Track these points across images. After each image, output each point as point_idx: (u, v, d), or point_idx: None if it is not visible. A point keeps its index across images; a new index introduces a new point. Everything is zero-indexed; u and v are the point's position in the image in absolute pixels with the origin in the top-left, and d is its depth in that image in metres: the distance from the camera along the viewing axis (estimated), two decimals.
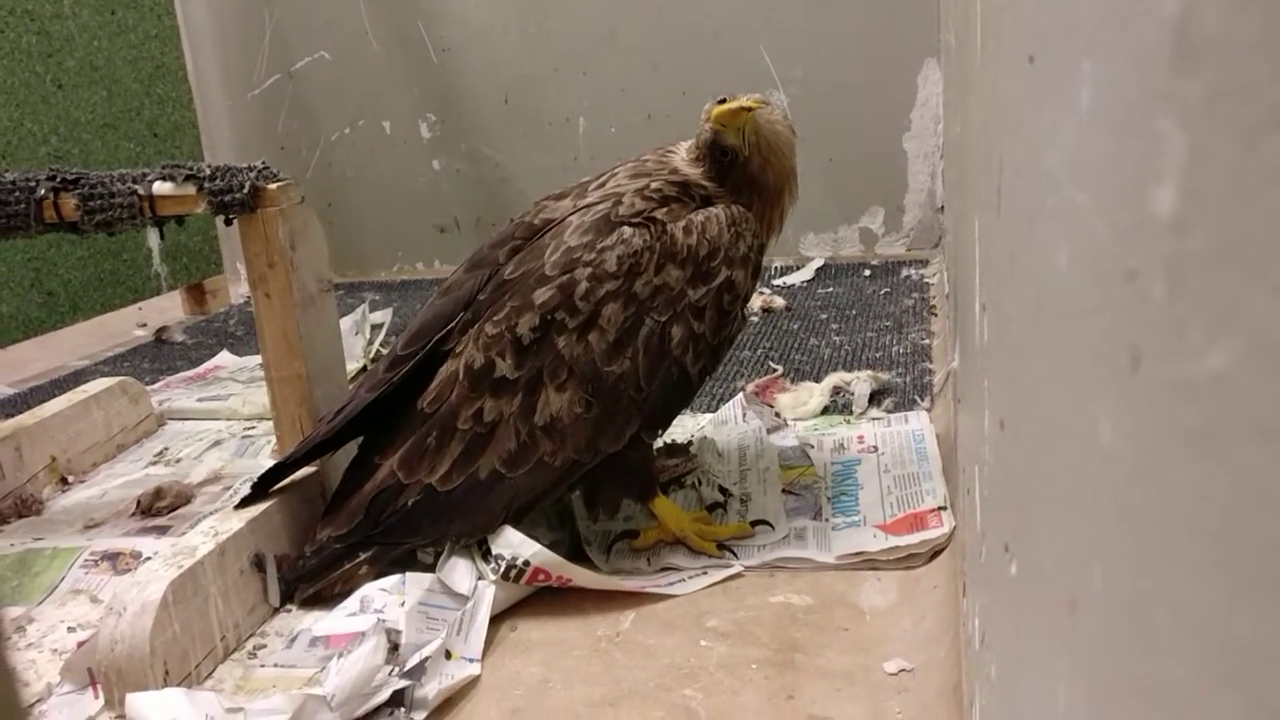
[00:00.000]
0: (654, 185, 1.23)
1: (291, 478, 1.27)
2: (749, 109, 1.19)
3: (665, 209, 1.21)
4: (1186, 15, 0.22)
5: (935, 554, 1.18)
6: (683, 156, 1.27)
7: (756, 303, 2.26)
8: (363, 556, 1.19)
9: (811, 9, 2.59)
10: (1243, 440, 0.22)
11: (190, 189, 1.29)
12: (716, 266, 1.19)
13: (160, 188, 1.30)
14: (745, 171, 1.23)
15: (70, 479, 1.61)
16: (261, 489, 1.24)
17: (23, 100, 2.24)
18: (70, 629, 1.19)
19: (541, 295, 1.16)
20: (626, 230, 1.18)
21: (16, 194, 1.28)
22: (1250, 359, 0.22)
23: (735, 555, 1.22)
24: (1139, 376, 0.27)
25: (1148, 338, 0.26)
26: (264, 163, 1.31)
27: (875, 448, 1.46)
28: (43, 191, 1.28)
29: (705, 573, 1.19)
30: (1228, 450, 0.22)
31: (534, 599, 1.16)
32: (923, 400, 1.63)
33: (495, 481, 1.17)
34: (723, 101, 1.22)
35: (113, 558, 1.34)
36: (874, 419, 1.58)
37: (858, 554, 1.19)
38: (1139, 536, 0.27)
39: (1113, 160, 0.29)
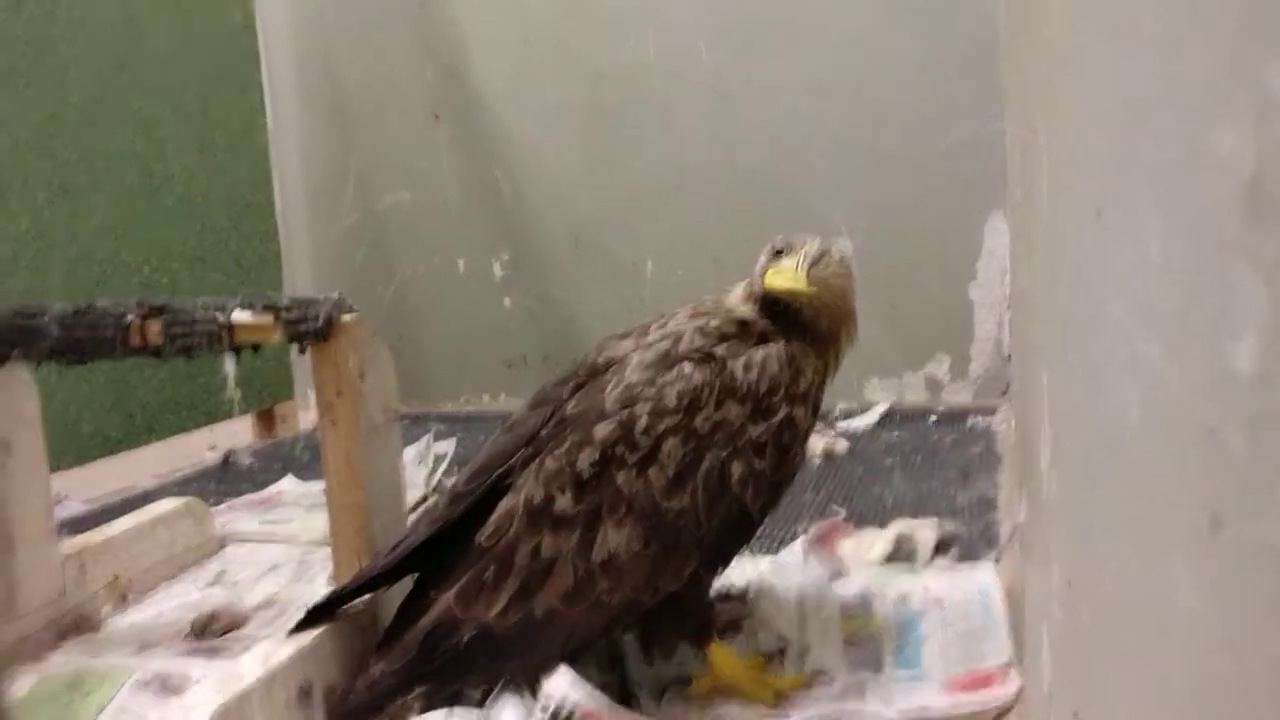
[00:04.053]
0: (713, 323, 1.24)
1: (346, 607, 1.26)
2: (799, 293, 1.20)
3: (725, 345, 1.22)
4: (1261, 169, 0.22)
5: (1001, 714, 1.13)
6: (738, 296, 1.28)
7: (819, 445, 2.24)
8: (416, 692, 1.17)
9: (878, 160, 2.65)
10: None
11: (268, 318, 1.34)
12: (777, 403, 1.19)
13: (239, 316, 1.34)
14: (798, 319, 1.24)
15: (131, 598, 1.62)
16: (314, 618, 1.23)
17: (122, 234, 2.35)
18: None
19: (602, 430, 1.17)
20: (686, 366, 1.19)
21: (107, 319, 1.34)
22: None
23: (792, 707, 1.17)
24: (1221, 538, 0.26)
25: (1229, 497, 0.25)
26: (340, 295, 1.35)
27: (939, 600, 1.41)
28: (131, 317, 1.34)
29: None
30: None
31: None
32: (989, 552, 1.58)
33: (552, 619, 1.15)
34: (779, 254, 1.24)
35: (163, 679, 1.33)
36: (938, 570, 1.54)
37: (920, 710, 1.14)
38: (1225, 711, 0.26)
39: (1185, 313, 0.29)
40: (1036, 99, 0.80)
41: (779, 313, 1.24)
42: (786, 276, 1.21)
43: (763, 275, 1.24)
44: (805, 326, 1.25)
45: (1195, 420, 0.27)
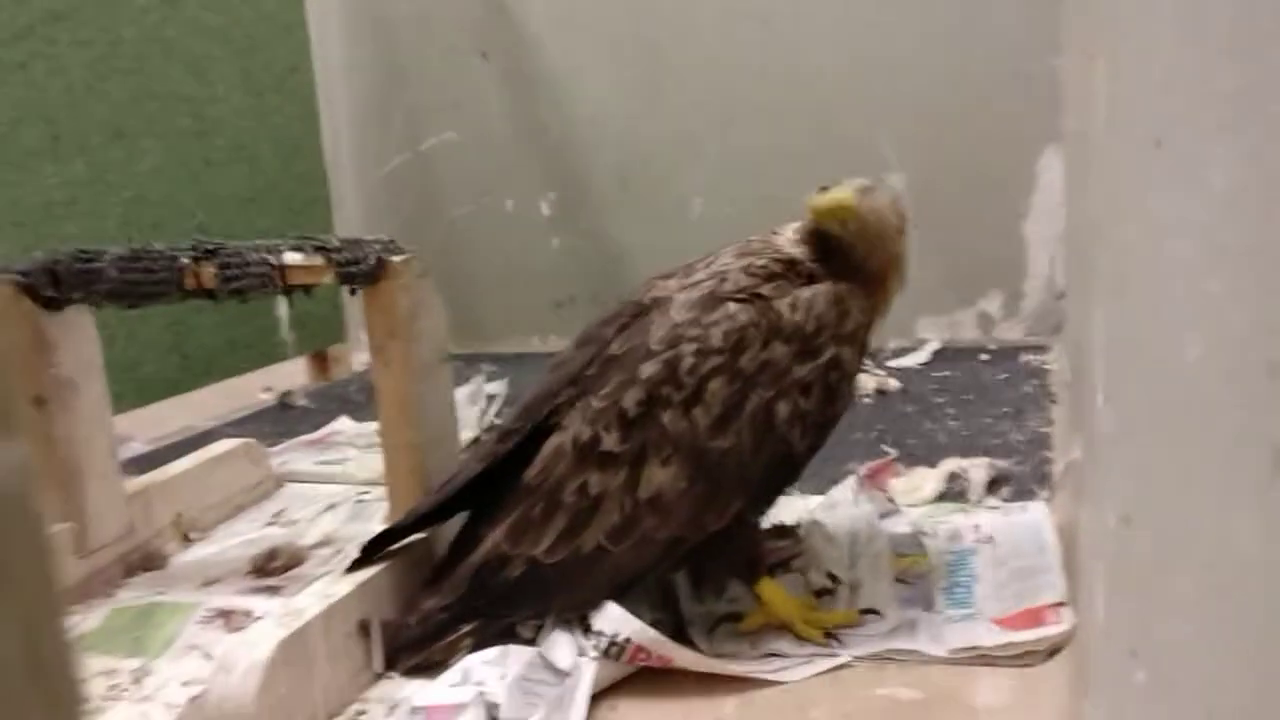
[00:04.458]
0: (759, 263, 1.23)
1: (401, 543, 1.29)
2: (847, 205, 1.18)
3: (771, 285, 1.20)
4: None
5: (1054, 652, 1.13)
6: (788, 237, 1.27)
7: (870, 384, 2.22)
8: (466, 628, 1.19)
9: (929, 94, 2.59)
10: None
11: (319, 260, 1.35)
12: (823, 343, 1.18)
13: (291, 258, 1.35)
14: (849, 259, 1.22)
15: (193, 536, 1.66)
16: (368, 555, 1.26)
17: (175, 177, 2.38)
18: (183, 684, 1.22)
19: (647, 370, 1.17)
20: (732, 306, 1.18)
21: (162, 262, 1.36)
22: None
23: (842, 644, 1.18)
24: None
25: None
26: (389, 237, 1.36)
27: (991, 538, 1.40)
28: (185, 260, 1.36)
29: (811, 661, 1.16)
30: None
31: (634, 679, 1.14)
32: (1041, 490, 1.57)
33: (598, 556, 1.16)
34: (824, 189, 1.22)
35: (226, 615, 1.37)
36: (991, 508, 1.53)
37: (971, 649, 1.14)
38: None
39: (1251, 246, 0.28)
40: (1097, 23, 0.77)
41: (831, 250, 1.23)
42: (833, 196, 1.19)
43: (809, 209, 1.21)
44: (855, 267, 1.23)
45: (1260, 358, 0.26)
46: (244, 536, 1.66)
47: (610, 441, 1.16)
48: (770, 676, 1.13)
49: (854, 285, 1.22)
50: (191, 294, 1.37)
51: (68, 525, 1.42)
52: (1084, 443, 1.07)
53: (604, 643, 1.12)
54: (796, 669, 1.15)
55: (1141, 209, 0.48)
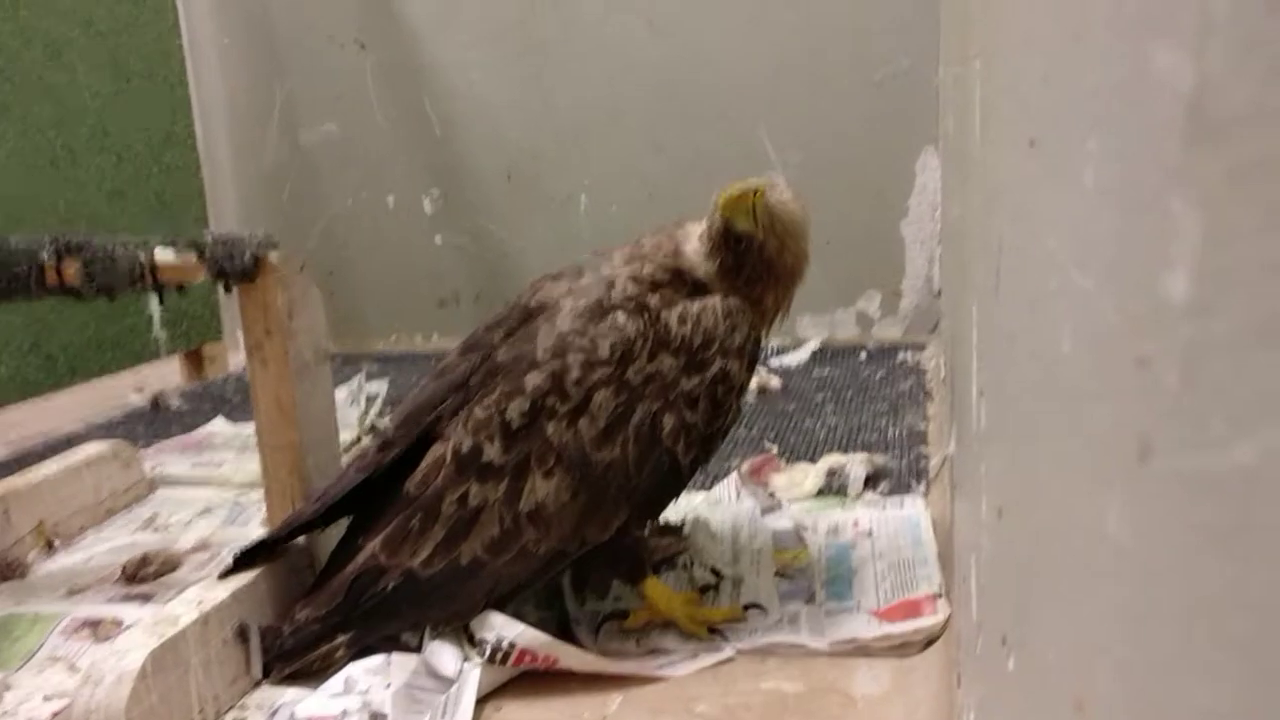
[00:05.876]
0: (646, 270, 1.22)
1: (281, 548, 1.25)
2: (756, 190, 1.18)
3: (657, 295, 1.20)
4: (1202, 89, 0.21)
5: (930, 642, 1.16)
6: (695, 247, 1.24)
7: (752, 382, 2.25)
8: (341, 639, 1.16)
9: (811, 95, 2.64)
10: (1278, 540, 0.21)
11: (191, 256, 1.29)
12: (711, 357, 1.18)
13: (162, 255, 1.30)
14: (763, 256, 1.21)
15: (57, 543, 1.58)
16: (244, 563, 1.22)
17: (33, 166, 2.26)
18: (46, 698, 1.16)
19: (532, 380, 1.15)
20: (620, 316, 1.17)
21: (19, 258, 1.28)
22: None
23: (726, 639, 1.19)
24: (1149, 468, 0.26)
25: (1159, 427, 0.25)
26: (265, 232, 1.32)
27: (870, 532, 1.44)
28: (46, 256, 1.29)
29: (695, 656, 1.17)
30: (1259, 551, 0.21)
31: (520, 680, 1.13)
32: (918, 485, 1.61)
33: (477, 568, 1.15)
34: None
35: (94, 625, 1.31)
36: (869, 503, 1.57)
37: (851, 640, 1.17)
38: (1155, 640, 0.26)
39: (1120, 241, 0.29)
40: (973, 26, 0.80)
41: (742, 252, 1.20)
42: (742, 184, 1.17)
43: (716, 208, 1.19)
44: (769, 264, 1.21)
45: (1128, 351, 0.27)
46: (113, 543, 1.59)
47: (492, 452, 1.14)
48: (656, 673, 1.14)
49: (764, 291, 1.22)
50: (54, 291, 1.30)
51: None
52: (959, 437, 1.10)
53: (488, 649, 1.10)
54: (681, 664, 1.15)
55: (1016, 207, 0.49)
